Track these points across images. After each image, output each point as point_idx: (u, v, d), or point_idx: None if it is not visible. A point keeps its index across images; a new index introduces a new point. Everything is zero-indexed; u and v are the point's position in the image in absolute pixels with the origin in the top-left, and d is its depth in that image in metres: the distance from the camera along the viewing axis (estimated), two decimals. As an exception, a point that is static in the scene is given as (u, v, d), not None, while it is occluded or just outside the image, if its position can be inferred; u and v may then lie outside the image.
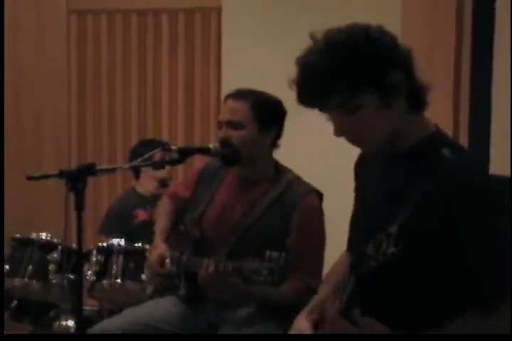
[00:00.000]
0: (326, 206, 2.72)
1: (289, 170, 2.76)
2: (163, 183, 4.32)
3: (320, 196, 2.71)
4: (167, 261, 2.77)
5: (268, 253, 2.31)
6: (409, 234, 1.49)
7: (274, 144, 2.72)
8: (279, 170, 2.74)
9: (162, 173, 4.29)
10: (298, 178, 2.73)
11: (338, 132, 1.68)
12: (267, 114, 2.65)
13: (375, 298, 1.66)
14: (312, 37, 1.66)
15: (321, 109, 1.67)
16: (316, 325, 1.86)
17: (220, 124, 2.68)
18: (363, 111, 1.63)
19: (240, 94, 2.67)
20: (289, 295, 2.60)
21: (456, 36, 4.01)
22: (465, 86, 4.06)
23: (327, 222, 2.69)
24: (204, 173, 2.86)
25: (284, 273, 2.37)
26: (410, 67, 1.67)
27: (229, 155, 2.64)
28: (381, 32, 1.66)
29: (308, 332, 1.87)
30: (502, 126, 3.87)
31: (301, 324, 1.91)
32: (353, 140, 1.70)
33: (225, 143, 2.63)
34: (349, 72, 1.60)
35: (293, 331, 1.94)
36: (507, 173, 2.90)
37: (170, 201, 3.01)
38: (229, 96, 2.69)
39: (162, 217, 3.00)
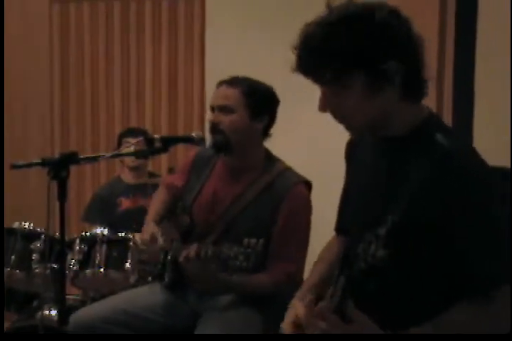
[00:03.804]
0: (315, 196, 2.72)
1: (280, 161, 2.76)
2: (136, 171, 4.32)
3: (309, 186, 2.71)
4: (159, 237, 2.74)
5: (246, 239, 2.31)
6: (398, 237, 1.45)
7: (265, 133, 2.72)
8: (270, 159, 2.75)
9: (134, 162, 4.29)
10: (288, 169, 2.73)
11: (321, 107, 1.64)
12: (259, 102, 2.65)
13: (364, 297, 1.62)
14: (326, 7, 1.61)
15: (314, 82, 1.63)
16: (316, 303, 1.83)
17: (211, 109, 2.69)
18: (351, 92, 1.60)
19: (233, 81, 2.67)
20: (267, 285, 2.59)
21: (439, 31, 4.03)
22: (448, 79, 4.08)
23: (315, 212, 2.69)
24: (196, 161, 2.86)
25: (260, 260, 2.37)
26: (415, 58, 1.61)
27: (219, 141, 2.64)
28: (397, 17, 1.59)
29: (302, 311, 1.84)
30: (485, 119, 3.91)
31: (297, 305, 1.89)
32: (337, 118, 1.66)
33: (214, 126, 2.64)
34: (341, 49, 1.55)
35: (291, 312, 1.91)
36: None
37: (165, 190, 3.00)
38: (222, 83, 2.69)
39: (155, 205, 2.99)
